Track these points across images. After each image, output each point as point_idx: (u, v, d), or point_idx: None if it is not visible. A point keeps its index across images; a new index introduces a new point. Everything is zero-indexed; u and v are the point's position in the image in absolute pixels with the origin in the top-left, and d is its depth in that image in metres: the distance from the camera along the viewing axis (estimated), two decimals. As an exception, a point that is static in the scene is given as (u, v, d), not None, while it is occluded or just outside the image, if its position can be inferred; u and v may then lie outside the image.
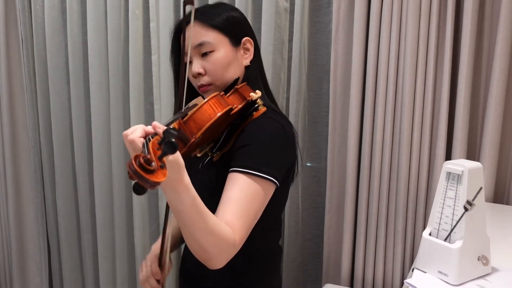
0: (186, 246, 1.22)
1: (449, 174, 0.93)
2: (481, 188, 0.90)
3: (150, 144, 0.71)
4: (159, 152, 0.68)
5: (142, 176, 0.62)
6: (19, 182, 2.22)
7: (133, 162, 0.62)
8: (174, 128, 0.72)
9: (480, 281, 0.93)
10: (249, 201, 0.94)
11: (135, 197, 2.02)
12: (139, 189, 0.64)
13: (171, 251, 1.20)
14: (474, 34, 1.42)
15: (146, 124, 2.10)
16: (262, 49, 1.69)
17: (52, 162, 2.18)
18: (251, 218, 0.95)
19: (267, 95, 1.16)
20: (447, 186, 0.93)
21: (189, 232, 0.86)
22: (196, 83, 1.11)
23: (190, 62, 1.10)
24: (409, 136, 1.51)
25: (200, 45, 1.07)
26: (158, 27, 1.85)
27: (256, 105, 1.03)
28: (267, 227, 1.10)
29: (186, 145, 0.91)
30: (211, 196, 0.99)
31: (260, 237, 1.05)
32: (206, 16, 1.08)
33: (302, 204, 1.81)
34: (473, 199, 0.90)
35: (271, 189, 0.99)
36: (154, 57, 1.87)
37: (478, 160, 1.47)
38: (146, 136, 0.79)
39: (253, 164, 0.96)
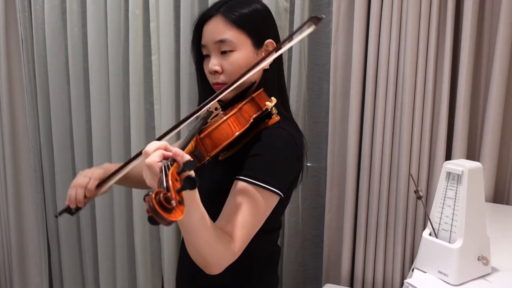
0: (183, 247, 1.21)
1: (449, 174, 0.93)
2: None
3: (169, 175, 0.69)
4: (178, 185, 0.67)
5: (160, 214, 0.62)
6: (19, 182, 2.22)
7: (153, 199, 0.62)
8: (193, 161, 0.71)
9: (480, 281, 0.93)
10: (252, 212, 0.95)
11: (135, 197, 2.02)
12: (154, 222, 0.63)
13: (119, 183, 1.15)
14: (474, 34, 1.42)
15: (146, 124, 2.09)
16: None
17: (52, 162, 2.18)
18: (252, 228, 0.96)
19: (283, 101, 1.13)
20: (447, 186, 0.93)
21: (192, 243, 0.88)
22: (211, 79, 1.08)
23: (208, 56, 1.08)
24: (409, 136, 1.51)
25: (221, 42, 1.03)
26: (158, 27, 1.85)
27: (270, 113, 1.02)
28: (266, 230, 1.10)
29: (200, 162, 0.91)
30: (215, 196, 1.00)
31: (259, 239, 1.05)
32: (230, 12, 1.04)
33: (302, 204, 1.81)
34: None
35: (275, 200, 0.99)
36: (154, 57, 1.87)
37: (478, 160, 1.47)
38: (164, 159, 0.77)
39: (260, 176, 0.96)
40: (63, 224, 2.20)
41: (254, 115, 0.98)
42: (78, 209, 1.07)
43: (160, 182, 0.69)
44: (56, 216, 1.12)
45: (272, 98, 1.02)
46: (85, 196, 1.05)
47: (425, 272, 0.97)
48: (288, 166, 1.01)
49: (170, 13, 1.84)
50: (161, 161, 0.77)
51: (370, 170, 1.59)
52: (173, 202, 0.64)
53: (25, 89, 2.12)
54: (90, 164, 2.12)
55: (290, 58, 1.73)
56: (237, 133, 0.93)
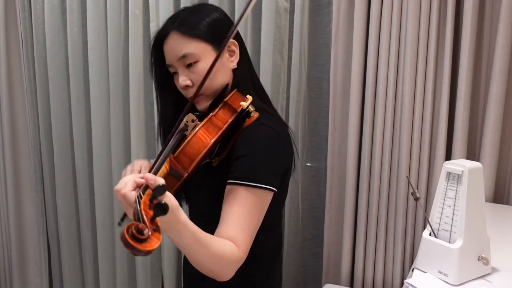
0: None
1: (449, 174, 0.93)
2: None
3: (142, 204, 0.71)
4: (151, 213, 0.68)
5: (135, 247, 0.63)
6: (19, 182, 2.22)
7: (126, 234, 0.63)
8: (163, 186, 0.72)
9: (480, 281, 0.93)
10: (249, 213, 0.95)
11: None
12: (134, 254, 0.64)
13: None
14: (474, 34, 1.42)
15: (146, 124, 2.10)
16: (262, 49, 1.69)
17: (52, 162, 2.18)
18: (252, 228, 0.96)
19: (259, 95, 1.13)
20: (447, 186, 0.93)
21: (195, 260, 0.88)
22: (185, 94, 1.09)
23: (176, 73, 1.08)
24: (409, 136, 1.51)
25: (184, 57, 1.04)
26: (158, 27, 1.84)
27: (248, 112, 1.01)
28: (269, 226, 1.10)
29: (179, 180, 0.91)
30: (212, 203, 1.00)
31: (263, 236, 1.05)
32: (185, 25, 1.05)
33: (302, 204, 1.81)
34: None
35: (269, 196, 1.00)
36: (154, 57, 1.86)
37: (478, 160, 1.47)
38: (137, 187, 0.78)
39: (250, 176, 0.96)
40: (63, 224, 2.20)
41: (230, 120, 0.99)
42: None
43: (134, 214, 0.70)
44: None
45: (248, 96, 1.02)
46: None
47: (425, 272, 0.97)
48: (275, 160, 1.01)
49: (170, 13, 1.82)
50: (134, 189, 0.78)
51: (370, 170, 1.59)
52: (146, 232, 0.65)
53: (25, 89, 2.12)
54: (90, 164, 2.12)
55: (290, 58, 1.73)
56: (212, 141, 0.93)
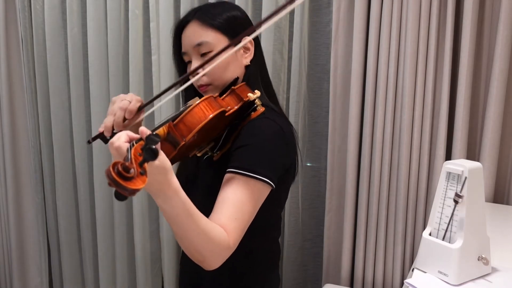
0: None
1: (449, 174, 0.93)
2: (466, 178, 0.90)
3: (132, 150, 0.71)
4: (141, 158, 0.68)
5: (119, 183, 0.62)
6: (19, 182, 2.22)
7: (111, 170, 0.63)
8: (156, 135, 0.72)
9: (480, 281, 0.93)
10: (244, 203, 0.94)
11: (135, 197, 2.02)
12: (119, 196, 0.64)
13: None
14: (474, 34, 1.42)
15: (147, 124, 2.12)
16: (262, 49, 1.69)
17: (52, 162, 2.18)
18: (245, 219, 0.95)
19: (268, 94, 1.15)
20: (447, 186, 0.93)
21: (183, 236, 0.87)
22: (196, 82, 1.10)
23: (190, 62, 1.10)
24: (409, 136, 1.51)
25: (199, 45, 1.06)
26: (158, 27, 1.85)
27: (254, 105, 1.02)
28: (268, 226, 1.10)
29: (176, 148, 0.91)
30: (210, 196, 1.00)
31: (261, 237, 1.05)
32: (206, 16, 1.07)
33: (302, 204, 1.81)
34: (461, 190, 0.89)
35: (266, 190, 0.99)
36: (154, 57, 1.87)
37: (478, 160, 1.47)
38: (130, 141, 0.78)
39: (249, 166, 0.96)
40: (63, 224, 2.20)
41: (236, 106, 0.99)
42: (113, 135, 1.05)
43: (124, 158, 0.70)
44: (88, 142, 1.12)
45: (256, 91, 1.03)
46: (124, 119, 1.04)
47: (425, 272, 0.97)
48: (276, 154, 1.01)
49: (170, 13, 1.84)
50: (127, 141, 0.78)
51: (370, 170, 1.59)
52: (132, 171, 0.65)
53: (25, 89, 2.12)
54: (90, 164, 2.12)
55: (290, 58, 1.73)
56: (210, 116, 0.93)
